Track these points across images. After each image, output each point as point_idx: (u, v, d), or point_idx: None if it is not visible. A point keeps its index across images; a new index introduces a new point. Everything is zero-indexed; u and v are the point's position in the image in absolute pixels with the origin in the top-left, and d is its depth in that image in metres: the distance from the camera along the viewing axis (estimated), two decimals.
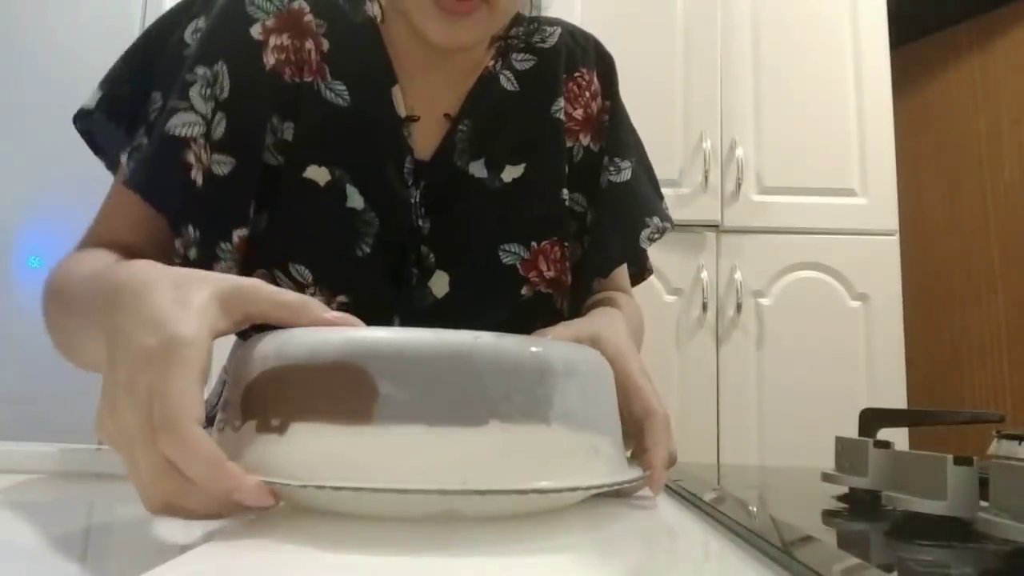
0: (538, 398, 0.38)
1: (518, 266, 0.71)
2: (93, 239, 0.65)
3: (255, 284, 0.42)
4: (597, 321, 0.61)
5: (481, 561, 0.32)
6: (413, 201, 0.68)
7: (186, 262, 0.62)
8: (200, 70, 0.63)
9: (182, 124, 0.61)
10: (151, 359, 0.35)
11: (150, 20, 1.81)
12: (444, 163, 0.70)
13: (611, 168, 0.77)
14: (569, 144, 0.77)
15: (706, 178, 1.98)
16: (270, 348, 0.39)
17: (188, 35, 0.66)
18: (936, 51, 2.65)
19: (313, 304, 0.42)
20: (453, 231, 0.69)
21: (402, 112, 0.69)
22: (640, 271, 0.88)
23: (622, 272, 0.84)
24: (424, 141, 0.70)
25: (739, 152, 1.99)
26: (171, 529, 0.39)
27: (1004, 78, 2.47)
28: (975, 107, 2.54)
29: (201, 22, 0.66)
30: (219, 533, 0.36)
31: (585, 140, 0.78)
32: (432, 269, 0.69)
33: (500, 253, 0.70)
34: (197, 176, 0.62)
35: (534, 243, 0.71)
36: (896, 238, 1.97)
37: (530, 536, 0.37)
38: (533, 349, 0.39)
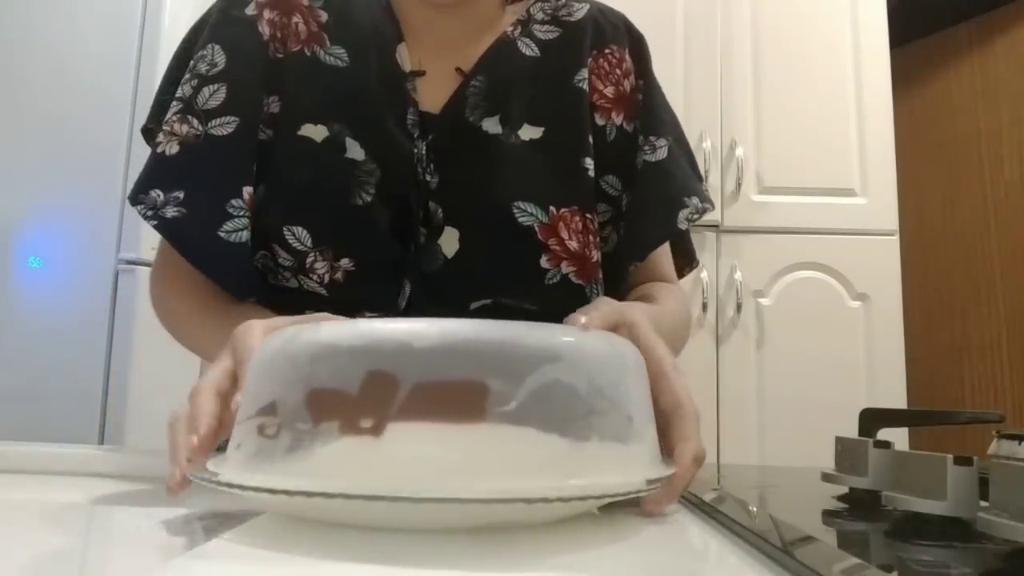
0: (622, 399, 0.39)
1: (536, 228, 0.66)
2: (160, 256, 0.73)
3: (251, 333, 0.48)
4: (635, 308, 0.57)
5: (481, 557, 0.32)
6: (417, 152, 0.67)
7: (193, 215, 0.65)
8: (189, 64, 0.68)
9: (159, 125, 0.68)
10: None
11: (150, 20, 1.82)
12: (454, 116, 0.69)
13: (646, 147, 0.74)
14: (602, 123, 0.74)
15: (706, 178, 1.98)
16: (343, 340, 0.36)
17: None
18: (936, 51, 2.65)
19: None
20: (463, 185, 0.67)
21: (407, 67, 0.70)
22: (687, 261, 0.85)
23: (666, 260, 0.80)
24: (434, 95, 0.70)
25: (739, 152, 1.99)
26: (172, 530, 0.39)
27: (1004, 78, 2.47)
28: (975, 107, 2.54)
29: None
30: (220, 531, 0.36)
31: (618, 119, 0.75)
32: (440, 226, 0.66)
33: (515, 211, 0.66)
34: (170, 147, 0.65)
35: (552, 208, 0.67)
36: (896, 238, 1.97)
37: (529, 534, 0.37)
38: (609, 344, 0.41)
